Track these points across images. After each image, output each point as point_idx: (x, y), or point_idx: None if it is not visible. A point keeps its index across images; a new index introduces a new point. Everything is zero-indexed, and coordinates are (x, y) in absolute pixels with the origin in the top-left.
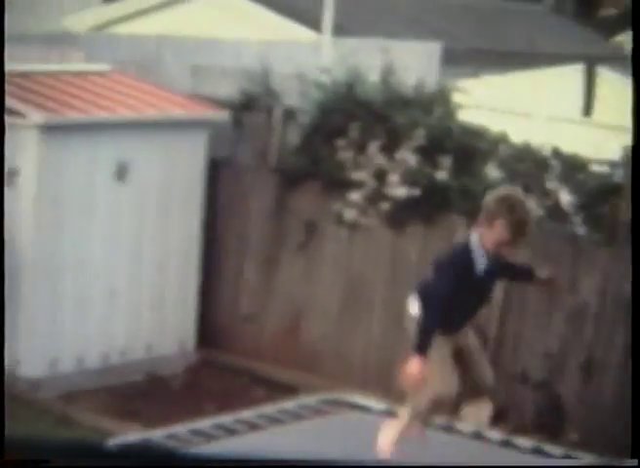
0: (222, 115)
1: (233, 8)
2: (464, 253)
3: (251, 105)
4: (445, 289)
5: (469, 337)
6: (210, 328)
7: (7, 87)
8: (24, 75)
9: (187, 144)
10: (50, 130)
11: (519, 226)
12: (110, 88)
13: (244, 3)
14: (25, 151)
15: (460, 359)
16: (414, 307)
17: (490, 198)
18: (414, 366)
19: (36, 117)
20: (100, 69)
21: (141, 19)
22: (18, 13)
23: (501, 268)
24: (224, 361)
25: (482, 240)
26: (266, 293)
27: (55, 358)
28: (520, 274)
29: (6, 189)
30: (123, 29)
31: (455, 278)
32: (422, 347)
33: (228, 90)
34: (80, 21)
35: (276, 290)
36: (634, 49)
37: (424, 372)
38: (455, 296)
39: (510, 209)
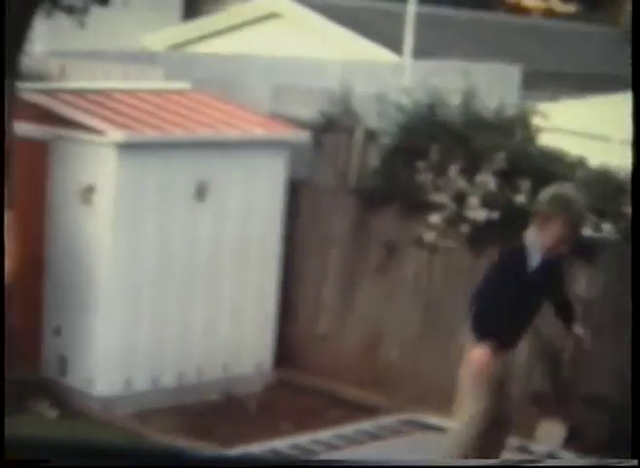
0: (303, 136)
1: (314, 27)
2: (517, 250)
3: (331, 126)
4: (493, 277)
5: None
6: (287, 347)
7: (86, 104)
8: (103, 93)
9: (267, 165)
10: (128, 148)
11: (575, 223)
12: (190, 106)
13: (324, 23)
14: (103, 169)
15: (499, 387)
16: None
17: (542, 198)
18: (478, 354)
19: (115, 135)
20: (180, 88)
21: (221, 37)
22: (97, 30)
23: (554, 270)
24: (302, 381)
25: (537, 239)
26: (345, 313)
27: (130, 376)
28: (564, 310)
29: (82, 206)
30: (203, 48)
31: (505, 270)
32: (482, 334)
33: (309, 110)
34: (159, 40)
35: (354, 310)
36: (634, 52)
37: (489, 361)
38: (505, 295)
39: (565, 207)
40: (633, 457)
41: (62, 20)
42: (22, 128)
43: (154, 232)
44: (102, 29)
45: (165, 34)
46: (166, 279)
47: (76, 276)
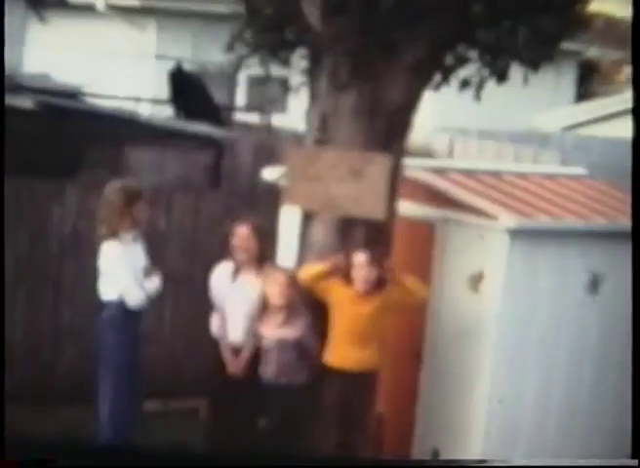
0: None
1: None
2: None
3: None
4: None
5: None
6: None
7: (476, 186)
8: (495, 174)
9: None
10: (519, 234)
11: None
12: (584, 193)
13: None
14: (492, 255)
15: None
16: None
17: None
18: None
19: (507, 220)
20: (575, 173)
21: (617, 120)
22: (486, 107)
23: None
24: None
25: None
26: None
27: None
28: None
29: (468, 292)
30: (598, 130)
31: None
32: None
33: None
34: (552, 121)
35: None
36: (634, 52)
37: None
38: None
39: None
40: (633, 457)
41: (454, 97)
42: (407, 207)
43: (543, 322)
44: (492, 107)
45: (559, 115)
46: (550, 370)
47: (454, 364)
